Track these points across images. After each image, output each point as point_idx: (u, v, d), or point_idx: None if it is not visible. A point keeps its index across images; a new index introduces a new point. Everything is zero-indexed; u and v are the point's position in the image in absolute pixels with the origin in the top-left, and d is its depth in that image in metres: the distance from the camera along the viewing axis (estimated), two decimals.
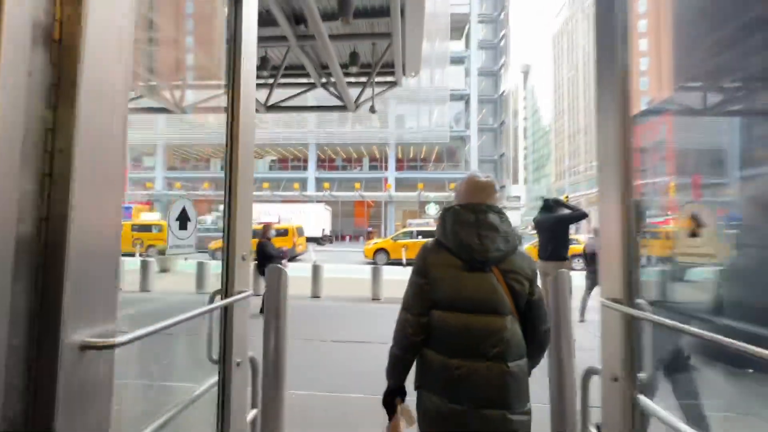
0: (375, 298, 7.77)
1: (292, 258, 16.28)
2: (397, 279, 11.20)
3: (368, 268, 8.51)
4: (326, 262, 16.38)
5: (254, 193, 1.50)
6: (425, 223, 17.18)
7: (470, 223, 1.28)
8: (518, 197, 55.96)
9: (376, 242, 16.61)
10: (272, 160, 36.81)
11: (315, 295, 7.89)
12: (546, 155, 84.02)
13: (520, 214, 56.67)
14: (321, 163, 35.47)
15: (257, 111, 6.72)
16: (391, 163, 33.09)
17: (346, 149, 35.62)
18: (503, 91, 42.42)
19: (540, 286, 1.35)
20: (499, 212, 1.33)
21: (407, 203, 34.73)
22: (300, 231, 16.48)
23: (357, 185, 30.92)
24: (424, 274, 1.32)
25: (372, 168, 35.56)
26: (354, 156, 37.15)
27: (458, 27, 35.92)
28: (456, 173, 34.37)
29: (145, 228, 13.94)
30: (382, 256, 15.33)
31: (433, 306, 1.29)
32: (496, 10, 43.30)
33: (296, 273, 6.11)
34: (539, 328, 1.32)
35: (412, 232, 15.87)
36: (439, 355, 1.25)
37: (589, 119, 59.79)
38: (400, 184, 33.07)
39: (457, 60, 34.77)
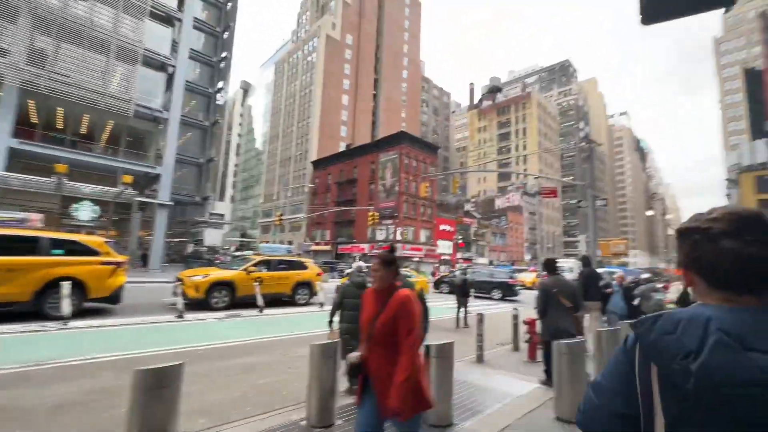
0: None
1: None
2: None
3: None
4: None
5: None
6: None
7: None
8: (222, 215, 49.38)
9: None
10: None
11: None
12: (256, 176, 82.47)
13: (222, 233, 50.14)
14: None
15: None
16: (6, 121, 18.82)
17: None
18: (220, 87, 36.21)
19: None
20: None
21: (35, 194, 20.61)
22: None
23: None
24: None
25: None
26: None
27: None
28: (138, 164, 24.14)
29: None
30: None
31: None
32: None
33: None
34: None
35: None
36: None
37: (301, 148, 63.24)
38: (22, 159, 19.25)
39: (163, 18, 25.71)
